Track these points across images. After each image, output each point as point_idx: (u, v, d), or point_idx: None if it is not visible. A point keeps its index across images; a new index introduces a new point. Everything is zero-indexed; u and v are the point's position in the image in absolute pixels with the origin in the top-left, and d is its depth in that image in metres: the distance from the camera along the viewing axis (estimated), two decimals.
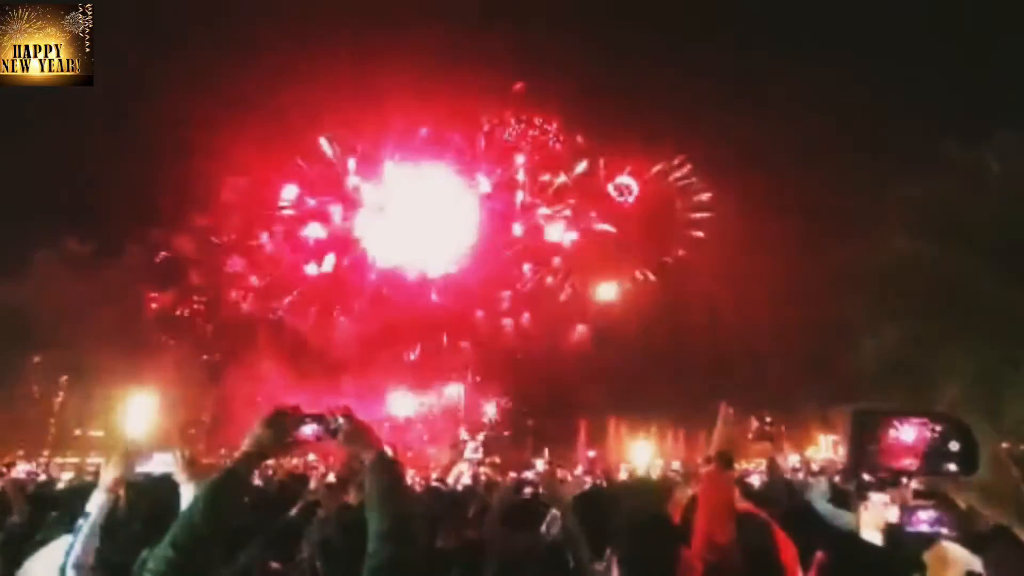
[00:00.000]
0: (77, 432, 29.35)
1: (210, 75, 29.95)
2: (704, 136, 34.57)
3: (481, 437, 33.60)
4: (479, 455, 31.13)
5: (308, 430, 1.92)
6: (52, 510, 3.84)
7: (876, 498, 3.51)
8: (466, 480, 13.65)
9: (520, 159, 35.10)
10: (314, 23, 31.51)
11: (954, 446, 1.03)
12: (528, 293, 34.68)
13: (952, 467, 1.03)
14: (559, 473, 11.00)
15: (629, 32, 34.59)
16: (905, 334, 18.72)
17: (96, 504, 2.58)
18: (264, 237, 33.93)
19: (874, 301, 19.55)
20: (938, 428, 1.05)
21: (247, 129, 31.46)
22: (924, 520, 2.39)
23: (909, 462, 1.06)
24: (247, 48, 30.46)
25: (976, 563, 2.54)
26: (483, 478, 14.06)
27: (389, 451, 1.95)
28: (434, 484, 3.97)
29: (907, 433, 1.06)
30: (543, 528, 3.84)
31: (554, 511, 4.28)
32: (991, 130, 19.58)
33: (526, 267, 35.04)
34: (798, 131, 31.04)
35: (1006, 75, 24.52)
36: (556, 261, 35.22)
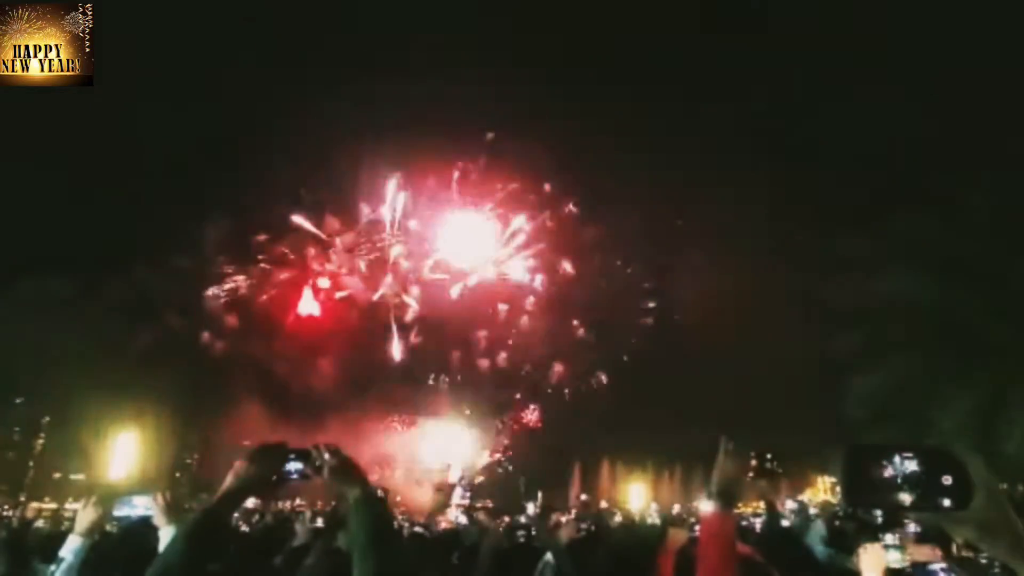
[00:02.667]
0: (57, 475, 28.57)
1: (194, 118, 30.70)
2: (689, 174, 35.39)
3: (467, 481, 33.05)
4: (466, 501, 30.54)
5: (293, 467, 1.86)
6: (28, 556, 3.69)
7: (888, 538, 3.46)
8: (462, 520, 13.36)
9: (489, 206, 36.01)
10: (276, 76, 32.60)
11: (947, 480, 1.02)
12: (504, 334, 34.93)
13: (946, 502, 1.02)
14: (554, 517, 10.75)
15: (604, 86, 36.03)
16: (899, 372, 18.70)
17: (71, 549, 2.47)
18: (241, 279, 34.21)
19: (867, 340, 19.59)
20: (930, 462, 1.04)
21: (227, 171, 32.26)
22: None
23: (902, 497, 1.04)
24: (235, 95, 31.30)
25: None
26: (476, 516, 13.77)
27: (378, 491, 1.89)
28: (417, 531, 3.86)
29: (899, 468, 1.05)
30: (536, 573, 3.74)
31: (547, 556, 4.18)
32: (981, 165, 19.98)
33: (502, 307, 35.42)
34: (787, 168, 31.76)
35: (995, 110, 25.02)
36: (529, 301, 35.73)
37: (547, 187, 35.84)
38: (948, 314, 18.16)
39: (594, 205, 36.03)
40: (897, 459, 1.04)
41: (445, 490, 31.79)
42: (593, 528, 8.12)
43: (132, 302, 30.92)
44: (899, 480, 1.03)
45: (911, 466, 1.03)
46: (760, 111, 34.32)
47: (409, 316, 34.82)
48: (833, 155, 31.73)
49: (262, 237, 34.40)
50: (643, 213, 35.32)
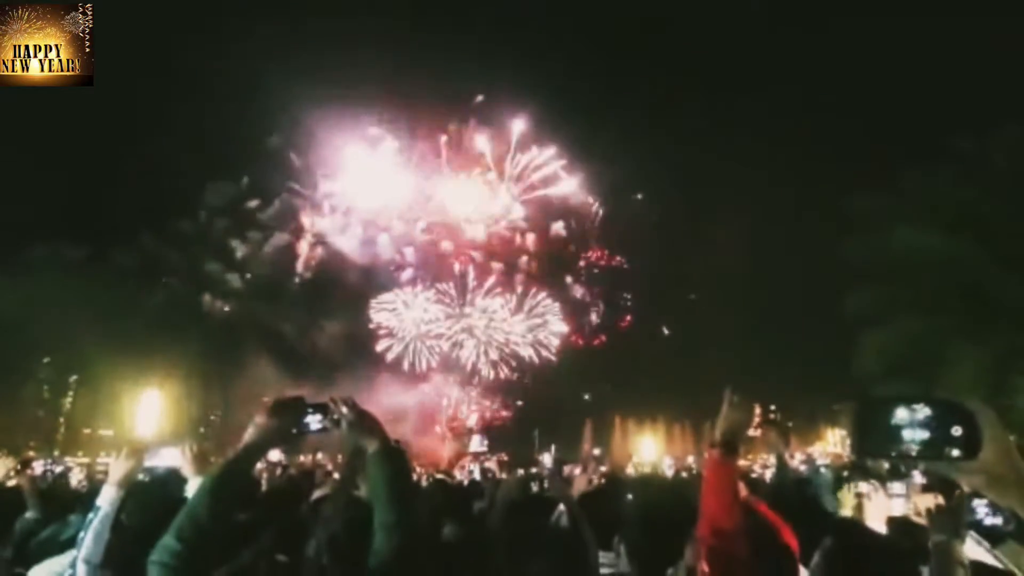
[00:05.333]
0: (87, 431, 29.69)
1: (194, 77, 30.55)
2: (698, 126, 34.75)
3: (484, 430, 33.83)
4: (484, 448, 31.26)
5: (311, 420, 1.92)
6: (64, 506, 3.88)
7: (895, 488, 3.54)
8: (476, 476, 13.75)
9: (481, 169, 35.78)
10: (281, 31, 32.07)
11: (957, 431, 1.03)
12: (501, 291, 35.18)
13: (955, 452, 1.03)
14: (567, 469, 11.01)
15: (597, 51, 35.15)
16: (912, 328, 18.59)
17: (106, 498, 2.60)
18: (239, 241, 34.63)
19: (881, 295, 19.42)
20: (940, 413, 1.05)
21: (227, 132, 32.26)
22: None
23: (911, 447, 1.06)
24: (228, 55, 30.87)
25: (980, 555, 2.55)
26: (490, 474, 14.13)
27: (396, 442, 1.95)
28: (439, 476, 4.00)
29: (909, 418, 1.06)
30: (551, 520, 3.86)
31: (561, 506, 4.31)
32: (998, 121, 19.39)
33: (496, 265, 35.66)
34: (802, 122, 30.98)
35: (1013, 64, 24.14)
36: (523, 261, 35.92)
37: (535, 148, 35.60)
38: (961, 269, 17.92)
39: (586, 162, 35.90)
40: (906, 410, 1.06)
41: (463, 437, 32.58)
42: (604, 481, 8.34)
43: (141, 267, 31.58)
44: (908, 430, 1.05)
45: (920, 417, 1.05)
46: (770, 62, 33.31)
47: (405, 277, 35.22)
48: (852, 109, 30.81)
49: (255, 202, 34.65)
50: (644, 169, 34.88)
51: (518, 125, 35.03)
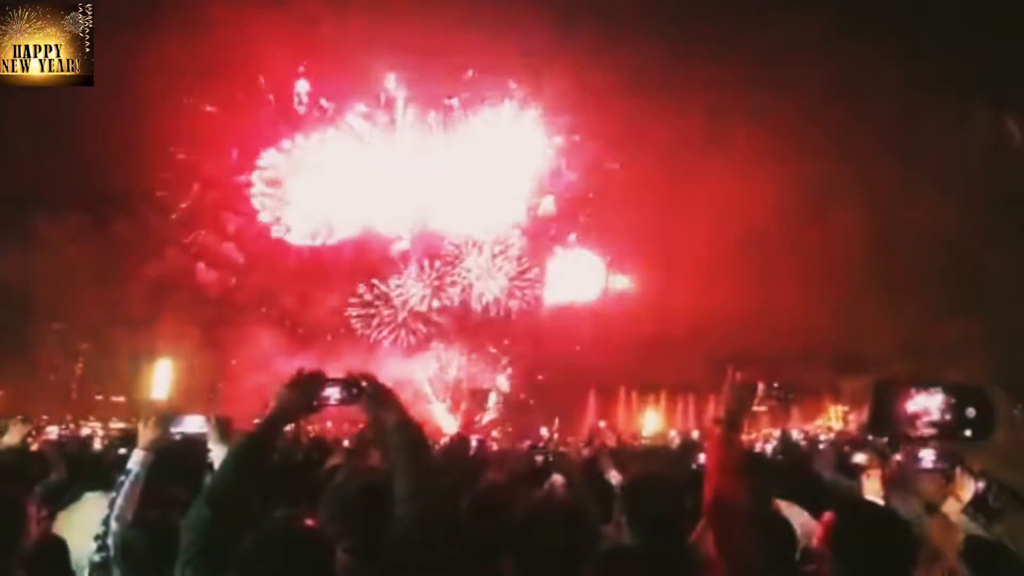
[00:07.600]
0: (99, 397, 30.26)
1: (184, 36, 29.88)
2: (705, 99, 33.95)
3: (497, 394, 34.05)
4: (499, 407, 31.46)
5: (331, 394, 1.99)
6: (85, 470, 4.02)
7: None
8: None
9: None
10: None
11: (971, 413, 1.08)
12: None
13: (968, 433, 1.08)
14: (571, 440, 11.20)
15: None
16: (922, 303, 18.53)
17: (137, 461, 2.75)
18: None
19: (889, 270, 19.33)
20: (955, 396, 1.09)
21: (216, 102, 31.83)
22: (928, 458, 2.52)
23: (927, 429, 1.10)
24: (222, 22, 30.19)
25: (975, 530, 2.63)
26: (495, 445, 14.35)
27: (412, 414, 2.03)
28: (457, 439, 4.10)
29: (925, 401, 1.10)
30: (544, 488, 3.99)
31: (555, 476, 4.44)
32: (1012, 97, 18.99)
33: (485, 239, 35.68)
34: (813, 95, 30.22)
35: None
36: (514, 235, 35.94)
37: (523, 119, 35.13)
38: (973, 243, 17.78)
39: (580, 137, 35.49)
40: (923, 393, 1.11)
41: (479, 396, 32.63)
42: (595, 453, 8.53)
43: (139, 236, 31.60)
44: (924, 412, 1.10)
45: (936, 400, 1.09)
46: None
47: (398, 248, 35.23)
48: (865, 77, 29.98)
49: (242, 177, 34.35)
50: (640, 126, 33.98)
51: (507, 103, 34.57)
